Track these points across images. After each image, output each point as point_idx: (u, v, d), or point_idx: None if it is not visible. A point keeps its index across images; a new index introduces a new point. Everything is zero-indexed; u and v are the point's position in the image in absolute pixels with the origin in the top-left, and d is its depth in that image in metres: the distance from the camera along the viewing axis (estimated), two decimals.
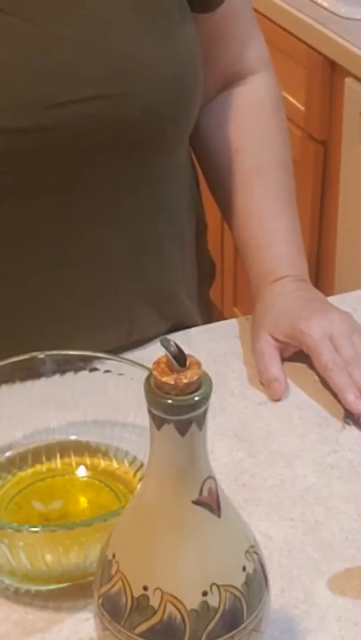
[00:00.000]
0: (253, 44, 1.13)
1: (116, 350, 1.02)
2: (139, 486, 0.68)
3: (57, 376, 0.90)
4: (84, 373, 0.90)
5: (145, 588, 0.66)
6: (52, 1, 0.91)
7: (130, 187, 0.99)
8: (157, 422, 0.63)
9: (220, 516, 0.66)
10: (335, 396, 0.99)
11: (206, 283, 1.22)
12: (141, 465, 0.86)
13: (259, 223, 1.10)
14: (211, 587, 0.66)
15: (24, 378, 0.89)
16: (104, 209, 0.99)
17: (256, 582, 0.68)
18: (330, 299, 1.10)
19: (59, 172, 0.94)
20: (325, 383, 1.00)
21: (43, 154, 0.92)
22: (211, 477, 0.66)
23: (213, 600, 0.66)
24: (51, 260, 0.99)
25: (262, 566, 0.69)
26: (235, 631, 0.67)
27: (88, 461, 0.90)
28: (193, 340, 1.08)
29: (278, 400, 1.00)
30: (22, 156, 0.92)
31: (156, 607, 0.65)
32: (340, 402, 0.98)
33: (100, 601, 0.68)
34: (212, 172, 1.14)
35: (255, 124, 1.13)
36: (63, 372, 0.90)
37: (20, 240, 0.97)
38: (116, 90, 0.93)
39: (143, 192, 1.01)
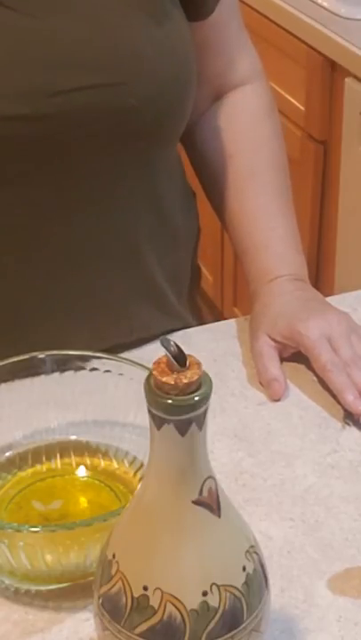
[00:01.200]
0: (244, 56, 1.15)
1: (119, 348, 1.02)
2: (139, 486, 0.68)
3: (57, 376, 0.90)
4: (84, 373, 0.90)
5: (145, 588, 0.66)
6: None
7: (126, 176, 1.00)
8: (157, 422, 0.63)
9: (220, 516, 0.66)
10: (335, 396, 0.99)
11: (194, 287, 1.22)
12: (141, 465, 0.86)
13: (255, 223, 1.10)
14: (211, 587, 0.66)
15: (24, 377, 0.89)
16: (101, 198, 1.00)
17: (256, 582, 0.68)
18: (329, 299, 1.10)
19: (58, 160, 0.95)
20: (325, 384, 1.00)
21: (43, 141, 0.93)
22: (211, 477, 0.66)
23: (213, 600, 0.66)
24: (49, 250, 0.99)
25: (262, 566, 0.69)
26: (235, 631, 0.67)
27: (88, 461, 0.90)
28: (193, 340, 1.08)
29: (278, 400, 1.00)
30: (23, 144, 0.93)
31: (156, 607, 0.65)
32: (339, 402, 0.98)
33: (100, 601, 0.68)
34: (208, 178, 1.15)
35: (249, 129, 1.14)
36: (63, 371, 0.90)
37: (19, 229, 0.98)
38: (115, 79, 0.94)
39: (138, 183, 1.02)
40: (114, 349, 0.96)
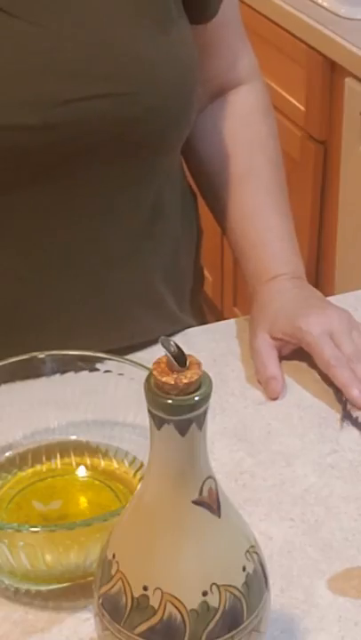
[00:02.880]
0: (244, 56, 1.15)
1: (120, 351, 1.02)
2: (139, 486, 0.68)
3: (57, 376, 0.90)
4: (85, 373, 0.90)
5: (145, 588, 0.66)
6: (58, 4, 0.92)
7: (129, 183, 1.00)
8: (157, 422, 0.63)
9: (220, 516, 0.66)
10: (335, 395, 0.99)
11: (198, 289, 1.22)
12: (141, 465, 0.86)
13: (252, 223, 1.10)
14: (211, 587, 0.66)
15: (24, 378, 0.89)
16: (104, 205, 1.00)
17: (256, 582, 0.68)
18: (330, 298, 1.10)
19: (62, 168, 0.95)
20: (326, 382, 1.00)
21: (48, 150, 0.93)
22: (211, 477, 0.66)
23: (213, 600, 0.66)
24: (51, 255, 1.00)
25: (262, 566, 0.69)
26: (235, 631, 0.67)
27: (88, 461, 0.90)
28: (193, 340, 1.08)
29: (276, 399, 1.00)
30: (28, 153, 0.92)
31: (156, 607, 0.65)
32: (338, 402, 0.98)
33: (100, 601, 0.68)
34: (205, 178, 1.15)
35: (246, 129, 1.15)
36: (63, 371, 0.90)
37: (23, 235, 0.98)
38: (121, 89, 0.94)
39: (141, 190, 1.02)
40: (114, 352, 0.96)
